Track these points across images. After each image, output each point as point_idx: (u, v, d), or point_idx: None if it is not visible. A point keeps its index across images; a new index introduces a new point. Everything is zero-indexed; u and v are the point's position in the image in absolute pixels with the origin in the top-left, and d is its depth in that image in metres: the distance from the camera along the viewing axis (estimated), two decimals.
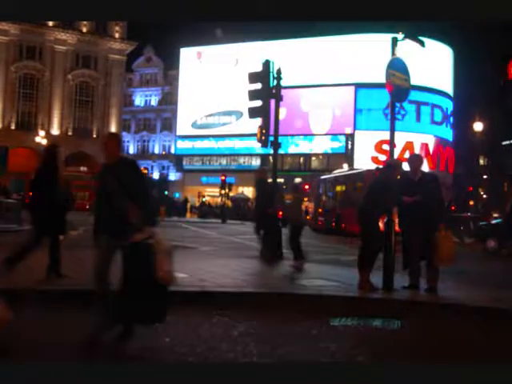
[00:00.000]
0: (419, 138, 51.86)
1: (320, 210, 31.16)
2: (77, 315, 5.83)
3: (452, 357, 5.03)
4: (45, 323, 5.62)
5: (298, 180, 52.78)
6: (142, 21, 51.31)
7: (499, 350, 5.36)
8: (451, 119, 58.30)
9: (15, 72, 58.07)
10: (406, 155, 43.29)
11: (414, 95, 36.18)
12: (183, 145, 63.00)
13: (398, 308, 6.96)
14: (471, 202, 59.69)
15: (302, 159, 56.38)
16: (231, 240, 19.41)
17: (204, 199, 57.27)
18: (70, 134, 60.23)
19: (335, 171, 34.14)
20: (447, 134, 57.87)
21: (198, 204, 55.51)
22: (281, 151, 14.37)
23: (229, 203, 47.04)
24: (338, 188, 29.43)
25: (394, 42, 9.97)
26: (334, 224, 27.01)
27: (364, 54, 50.99)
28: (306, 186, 46.23)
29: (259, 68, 12.30)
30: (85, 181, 56.58)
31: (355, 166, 43.35)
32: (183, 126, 62.74)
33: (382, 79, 9.50)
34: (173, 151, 68.03)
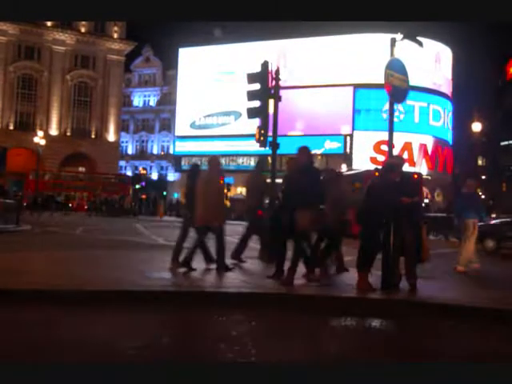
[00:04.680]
0: (418, 139, 51.88)
1: None
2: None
3: (451, 357, 5.03)
4: None
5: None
6: (141, 21, 51.29)
7: (498, 350, 5.37)
8: (450, 120, 58.32)
9: (14, 72, 58.04)
10: (405, 156, 43.43)
11: (413, 96, 36.24)
12: (182, 145, 62.96)
13: (396, 308, 6.96)
14: None
15: None
16: (230, 240, 19.35)
17: None
18: (68, 134, 60.20)
19: None
20: (446, 134, 57.89)
21: None
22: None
23: (227, 203, 47.01)
24: None
25: (393, 42, 9.98)
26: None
27: (363, 54, 51.03)
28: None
29: (258, 68, 12.30)
30: (83, 181, 56.60)
31: (354, 167, 43.39)
32: (182, 127, 62.68)
33: (381, 80, 9.50)
34: (171, 151, 68.00)
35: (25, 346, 4.71)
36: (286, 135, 47.64)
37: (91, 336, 5.14)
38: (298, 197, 7.89)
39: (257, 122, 12.73)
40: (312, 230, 8.25)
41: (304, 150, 8.46)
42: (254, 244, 12.80)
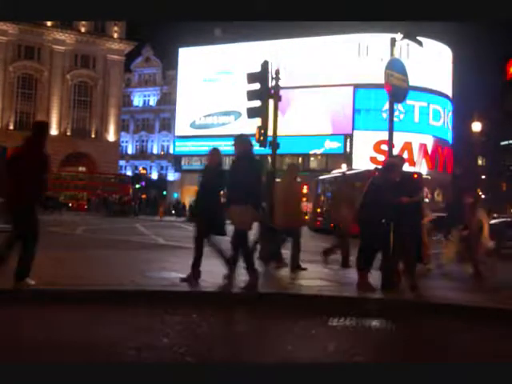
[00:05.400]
0: (418, 139, 51.86)
1: (318, 211, 31.21)
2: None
3: (452, 357, 5.04)
4: None
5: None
6: (141, 21, 51.22)
7: (498, 350, 5.37)
8: (450, 119, 58.31)
9: (14, 72, 58.03)
10: (405, 155, 43.38)
11: (413, 95, 36.22)
12: (182, 145, 62.96)
13: (396, 308, 6.96)
14: None
15: (300, 159, 56.34)
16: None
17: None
18: (68, 134, 60.19)
19: (333, 171, 34.20)
20: (446, 134, 57.88)
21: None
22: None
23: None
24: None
25: (393, 42, 9.99)
26: (332, 224, 27.02)
27: (363, 54, 51.03)
28: (305, 187, 46.25)
29: (257, 68, 12.29)
30: (83, 181, 56.56)
31: (354, 167, 43.36)
32: (182, 126, 62.66)
33: (381, 79, 9.51)
34: (171, 151, 68.01)
35: (26, 346, 4.71)
36: (285, 135, 47.73)
37: (92, 336, 5.14)
38: (235, 192, 7.37)
39: (257, 121, 12.72)
40: (248, 228, 7.62)
41: (239, 140, 7.83)
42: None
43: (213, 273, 8.89)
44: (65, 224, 24.86)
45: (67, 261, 9.72)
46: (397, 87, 9.63)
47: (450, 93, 58.38)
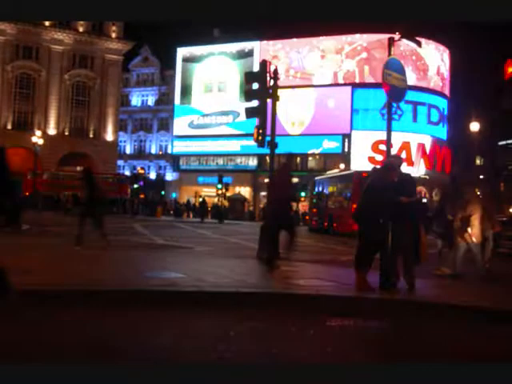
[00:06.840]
0: (416, 138, 51.90)
1: (314, 210, 31.28)
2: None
3: (451, 357, 5.04)
4: None
5: (295, 180, 52.85)
6: (140, 21, 51.20)
7: (497, 350, 5.37)
8: (448, 119, 58.35)
9: (12, 72, 57.92)
10: (403, 155, 43.38)
11: (411, 95, 36.28)
12: (180, 144, 62.95)
13: (395, 308, 6.97)
14: None
15: (298, 159, 56.37)
16: (228, 240, 19.40)
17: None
18: (66, 133, 60.10)
19: (328, 172, 34.35)
20: (444, 134, 57.94)
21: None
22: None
23: (226, 203, 47.18)
24: (331, 188, 29.57)
25: (391, 42, 9.99)
26: (326, 224, 27.27)
27: (362, 54, 51.07)
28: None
29: (256, 68, 12.29)
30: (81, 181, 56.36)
31: (352, 167, 43.40)
32: (180, 126, 62.67)
33: (379, 79, 9.51)
34: (169, 151, 67.95)
35: (26, 346, 4.70)
36: (284, 135, 47.78)
37: (92, 336, 5.13)
38: None
39: (255, 121, 12.72)
40: None
41: None
42: (253, 244, 12.82)
43: (210, 273, 8.90)
44: (63, 224, 24.81)
45: (67, 261, 9.71)
46: (395, 87, 9.63)
47: (448, 92, 58.43)
